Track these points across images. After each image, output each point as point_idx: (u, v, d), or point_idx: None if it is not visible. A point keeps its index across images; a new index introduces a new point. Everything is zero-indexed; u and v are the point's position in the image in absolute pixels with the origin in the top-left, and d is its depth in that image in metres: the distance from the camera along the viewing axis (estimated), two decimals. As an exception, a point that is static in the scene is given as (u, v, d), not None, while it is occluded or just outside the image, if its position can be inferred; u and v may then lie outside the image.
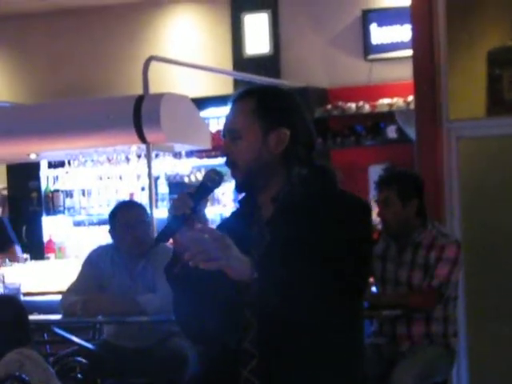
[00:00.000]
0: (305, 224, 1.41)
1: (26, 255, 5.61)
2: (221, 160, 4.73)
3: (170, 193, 5.61)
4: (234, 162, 1.45)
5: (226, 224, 1.66)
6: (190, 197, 1.38)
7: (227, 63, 6.19)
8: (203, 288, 1.42)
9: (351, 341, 1.48)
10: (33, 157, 5.07)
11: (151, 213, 4.52)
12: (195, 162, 5.94)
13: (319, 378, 1.43)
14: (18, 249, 5.16)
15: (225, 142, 1.49)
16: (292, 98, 1.52)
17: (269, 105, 1.46)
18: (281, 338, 1.39)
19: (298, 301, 1.34)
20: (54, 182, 6.06)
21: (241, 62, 6.19)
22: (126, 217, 3.79)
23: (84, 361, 3.89)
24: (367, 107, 5.86)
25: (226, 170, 1.52)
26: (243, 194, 1.57)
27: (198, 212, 1.40)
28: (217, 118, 5.74)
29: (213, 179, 1.42)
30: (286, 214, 1.43)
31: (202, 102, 5.37)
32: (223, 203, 5.63)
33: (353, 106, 5.77)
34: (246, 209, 1.55)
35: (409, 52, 4.71)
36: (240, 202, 1.58)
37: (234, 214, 1.66)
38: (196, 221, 1.42)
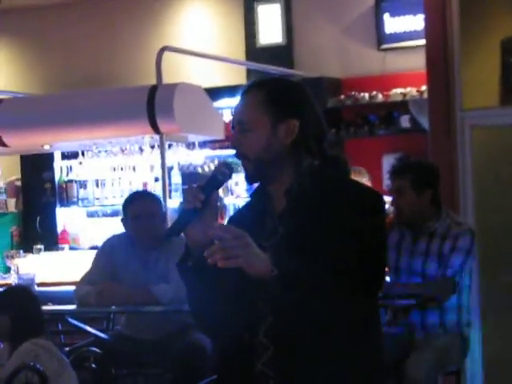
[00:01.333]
0: (318, 217, 1.40)
1: (40, 246, 5.65)
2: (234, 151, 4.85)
3: (184, 183, 5.59)
4: (243, 154, 1.46)
5: (238, 216, 1.67)
6: (201, 190, 1.37)
7: (240, 53, 6.19)
8: (216, 282, 1.42)
9: (369, 333, 1.48)
10: (47, 148, 5.09)
11: (165, 203, 4.49)
12: (208, 152, 5.93)
13: (335, 371, 1.42)
14: None
15: (234, 135, 1.49)
16: (301, 89, 1.51)
17: (278, 96, 1.46)
18: (296, 331, 1.39)
19: (318, 296, 1.34)
20: (68, 173, 6.06)
21: (254, 52, 6.19)
22: (139, 207, 3.77)
23: (98, 351, 3.93)
24: (380, 97, 5.82)
25: (238, 162, 1.53)
26: (255, 187, 1.57)
27: (211, 204, 1.39)
28: (230, 108, 5.60)
29: (223, 172, 1.43)
30: (299, 206, 1.44)
31: (215, 93, 5.38)
32: (236, 194, 5.64)
33: (366, 95, 5.72)
34: (258, 201, 1.55)
35: (422, 41, 4.69)
36: (252, 194, 1.58)
37: (246, 205, 1.67)
38: (212, 212, 1.43)
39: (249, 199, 1.67)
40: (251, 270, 1.27)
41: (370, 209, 1.44)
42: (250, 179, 1.53)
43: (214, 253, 1.23)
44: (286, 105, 1.46)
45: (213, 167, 5.84)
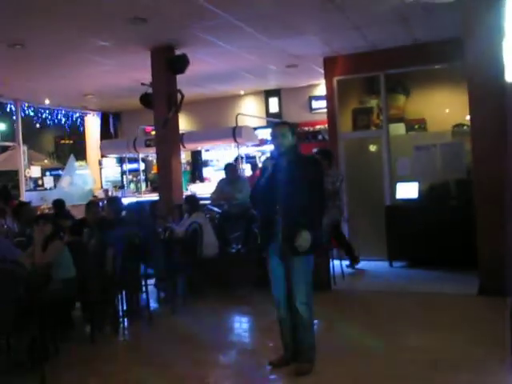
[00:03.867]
0: (301, 168, 4.71)
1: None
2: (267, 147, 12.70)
3: (246, 162, 13.16)
4: (278, 146, 4.80)
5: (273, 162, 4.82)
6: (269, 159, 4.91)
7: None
8: (264, 194, 4.76)
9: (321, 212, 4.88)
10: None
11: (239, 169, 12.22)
12: (254, 148, 13.55)
13: (303, 221, 4.59)
14: None
15: (274, 140, 4.83)
16: (294, 126, 5.90)
17: (289, 128, 4.85)
18: (292, 212, 4.60)
19: (306, 199, 4.58)
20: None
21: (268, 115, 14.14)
22: (230, 168, 10.08)
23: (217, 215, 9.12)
24: (311, 129, 12.90)
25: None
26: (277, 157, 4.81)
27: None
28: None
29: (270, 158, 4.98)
30: (292, 165, 4.73)
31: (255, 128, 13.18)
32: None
33: (308, 128, 12.98)
34: (276, 162, 4.77)
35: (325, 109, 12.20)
36: (276, 158, 4.81)
37: (272, 164, 4.81)
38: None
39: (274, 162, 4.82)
40: None
41: (319, 167, 4.99)
42: (278, 155, 4.79)
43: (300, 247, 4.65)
44: (294, 130, 4.91)
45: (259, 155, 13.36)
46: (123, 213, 8.02)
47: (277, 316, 4.97)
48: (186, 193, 10.84)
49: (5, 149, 17.84)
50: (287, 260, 4.73)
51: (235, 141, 11.91)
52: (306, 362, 4.85)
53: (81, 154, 17.12)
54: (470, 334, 5.63)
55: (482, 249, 7.10)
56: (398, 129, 10.47)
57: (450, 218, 8.74)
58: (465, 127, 9.28)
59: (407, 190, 9.54)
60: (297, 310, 4.77)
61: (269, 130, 13.17)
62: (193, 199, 8.69)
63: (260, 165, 12.89)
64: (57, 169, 18.65)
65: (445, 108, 10.22)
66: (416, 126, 10.57)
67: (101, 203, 10.46)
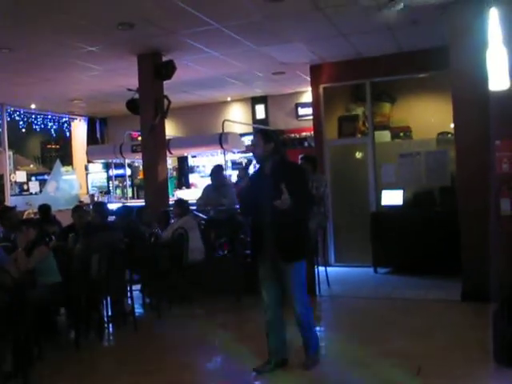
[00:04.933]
0: (284, 175, 4.68)
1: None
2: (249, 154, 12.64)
3: (232, 168, 13.13)
4: (255, 155, 4.86)
5: (253, 175, 5.02)
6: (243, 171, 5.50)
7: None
8: (253, 197, 4.82)
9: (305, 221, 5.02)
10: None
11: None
12: (239, 155, 13.53)
13: (293, 234, 4.73)
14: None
15: (253, 148, 4.92)
16: (276, 133, 5.27)
17: (267, 135, 4.87)
18: (283, 221, 4.66)
19: (296, 206, 4.59)
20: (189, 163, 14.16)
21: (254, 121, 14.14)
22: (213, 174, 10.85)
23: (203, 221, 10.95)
24: (298, 136, 13.04)
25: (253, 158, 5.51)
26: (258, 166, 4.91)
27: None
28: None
29: (244, 168, 6.52)
30: (275, 172, 4.76)
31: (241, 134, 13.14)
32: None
33: (295, 135, 13.18)
34: (260, 170, 4.91)
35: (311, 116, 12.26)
36: (258, 168, 4.92)
37: (255, 172, 5.04)
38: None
39: (257, 170, 4.99)
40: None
41: (303, 172, 5.27)
42: (258, 163, 4.95)
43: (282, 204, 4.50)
44: (269, 137, 4.82)
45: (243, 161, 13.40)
46: (112, 218, 7.99)
47: (266, 319, 5.02)
48: (172, 199, 10.76)
49: (-10, 153, 17.74)
50: (279, 266, 4.80)
51: (222, 147, 11.86)
52: (313, 356, 5.05)
53: (67, 159, 17.06)
54: (454, 339, 5.69)
55: (465, 255, 7.17)
56: (384, 136, 10.54)
57: (435, 225, 8.82)
58: (449, 135, 9.37)
59: (392, 197, 9.62)
60: (296, 312, 4.89)
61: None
62: (183, 203, 8.68)
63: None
64: (43, 174, 18.54)
65: (430, 116, 10.31)
66: (401, 134, 10.67)
67: (87, 208, 10.37)
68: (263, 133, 5.01)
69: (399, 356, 5.28)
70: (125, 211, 8.00)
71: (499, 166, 6.49)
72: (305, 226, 4.97)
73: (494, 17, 6.28)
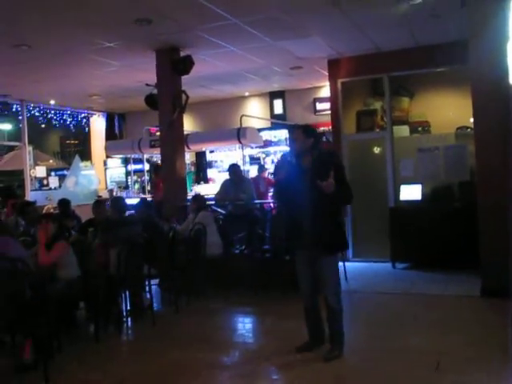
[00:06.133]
0: (324, 168, 4.70)
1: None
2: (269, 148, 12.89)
3: (250, 163, 13.18)
4: (293, 149, 5.13)
5: (290, 168, 5.05)
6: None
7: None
8: (291, 189, 4.90)
9: (341, 213, 5.27)
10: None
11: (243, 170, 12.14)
12: (258, 150, 13.52)
13: (330, 226, 4.87)
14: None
15: (291, 142, 5.39)
16: (314, 128, 5.22)
17: (308, 130, 4.99)
18: (321, 211, 4.80)
19: (330, 197, 4.71)
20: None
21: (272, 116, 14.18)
22: (232, 170, 10.30)
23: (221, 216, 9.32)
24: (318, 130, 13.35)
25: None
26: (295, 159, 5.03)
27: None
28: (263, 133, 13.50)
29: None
30: (314, 165, 4.86)
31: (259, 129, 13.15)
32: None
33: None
34: (297, 163, 5.00)
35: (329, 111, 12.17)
36: (295, 160, 5.02)
37: (291, 164, 5.11)
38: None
39: (293, 163, 5.08)
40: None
41: (343, 166, 5.15)
42: (295, 156, 5.03)
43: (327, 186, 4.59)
44: (310, 133, 4.97)
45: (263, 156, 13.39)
46: (131, 212, 8.03)
47: (304, 306, 5.26)
48: (190, 193, 10.79)
49: (11, 148, 17.91)
50: (316, 258, 4.96)
51: (239, 142, 11.88)
52: (336, 348, 5.13)
53: (86, 155, 17.19)
54: (473, 335, 5.65)
55: (484, 250, 7.11)
56: (402, 131, 10.48)
57: (453, 220, 8.75)
58: (468, 130, 9.31)
59: (411, 192, 9.55)
60: (327, 301, 5.06)
61: (273, 132, 13.43)
62: (200, 198, 8.75)
63: (266, 166, 12.97)
64: (62, 169, 18.72)
65: (448, 110, 10.24)
66: (420, 128, 10.61)
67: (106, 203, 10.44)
68: (304, 128, 5.10)
69: (417, 351, 5.27)
70: (144, 206, 8.03)
71: (519, 161, 6.42)
72: (341, 219, 5.20)
73: (514, 9, 6.21)
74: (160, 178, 10.66)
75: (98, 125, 16.08)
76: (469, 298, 7.09)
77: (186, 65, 8.96)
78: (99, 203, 7.90)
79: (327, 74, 10.53)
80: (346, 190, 4.87)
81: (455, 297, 7.27)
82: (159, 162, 10.74)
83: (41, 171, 15.65)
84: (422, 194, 9.47)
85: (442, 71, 9.59)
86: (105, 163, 16.11)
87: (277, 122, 13.56)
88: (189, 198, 9.54)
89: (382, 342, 5.59)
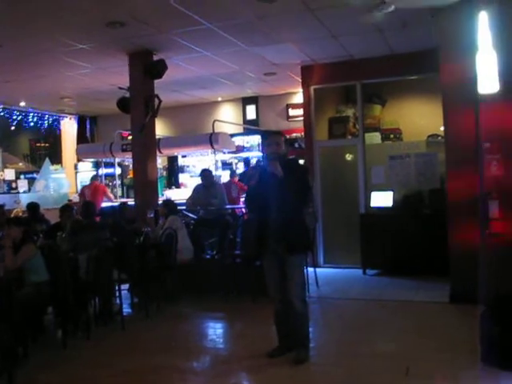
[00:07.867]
0: (292, 174, 4.89)
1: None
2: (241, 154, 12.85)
3: (222, 169, 13.14)
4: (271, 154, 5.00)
5: (260, 172, 5.11)
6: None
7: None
8: (257, 199, 5.06)
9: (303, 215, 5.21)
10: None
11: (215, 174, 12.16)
12: (230, 155, 13.47)
13: (294, 228, 4.98)
14: None
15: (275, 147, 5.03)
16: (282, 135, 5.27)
17: (285, 137, 5.28)
18: (285, 212, 4.91)
19: (295, 200, 4.94)
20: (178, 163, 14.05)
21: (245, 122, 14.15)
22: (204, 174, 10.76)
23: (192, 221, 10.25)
24: (288, 137, 12.71)
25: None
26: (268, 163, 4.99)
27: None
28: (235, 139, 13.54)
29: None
30: (285, 169, 4.88)
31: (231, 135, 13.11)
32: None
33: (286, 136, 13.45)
34: (266, 168, 5.01)
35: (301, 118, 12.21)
36: (267, 165, 5.03)
37: (263, 170, 5.11)
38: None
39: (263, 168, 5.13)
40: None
41: (306, 171, 5.42)
42: (270, 161, 4.96)
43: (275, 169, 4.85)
44: (286, 140, 5.25)
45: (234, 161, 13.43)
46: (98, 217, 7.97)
47: (274, 310, 5.25)
48: (161, 198, 10.73)
49: (-22, 151, 17.58)
50: (282, 259, 4.99)
51: (212, 147, 11.88)
52: (303, 351, 5.13)
53: (56, 158, 16.94)
54: (442, 340, 5.69)
55: (453, 257, 7.19)
56: (374, 138, 10.57)
57: (424, 227, 8.85)
58: (439, 137, 9.41)
59: (382, 199, 9.63)
60: (292, 304, 5.03)
61: (246, 137, 13.40)
62: (170, 203, 8.72)
63: (237, 171, 12.95)
64: (31, 172, 18.41)
65: (420, 118, 10.36)
66: (391, 136, 10.70)
67: (75, 207, 10.33)
68: (283, 134, 5.32)
69: (387, 357, 5.29)
70: (109, 210, 7.99)
71: (488, 169, 6.50)
72: (305, 222, 5.20)
73: (483, 20, 6.31)
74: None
75: (69, 128, 15.91)
76: (438, 304, 7.16)
77: (159, 69, 8.93)
78: (66, 207, 7.82)
79: (300, 80, 10.60)
80: (306, 191, 5.05)
81: (425, 303, 7.34)
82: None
83: (10, 174, 15.41)
84: (393, 201, 9.55)
85: (414, 79, 9.72)
86: (75, 167, 15.91)
87: (249, 127, 13.55)
88: (160, 202, 9.48)
89: (352, 348, 5.60)
